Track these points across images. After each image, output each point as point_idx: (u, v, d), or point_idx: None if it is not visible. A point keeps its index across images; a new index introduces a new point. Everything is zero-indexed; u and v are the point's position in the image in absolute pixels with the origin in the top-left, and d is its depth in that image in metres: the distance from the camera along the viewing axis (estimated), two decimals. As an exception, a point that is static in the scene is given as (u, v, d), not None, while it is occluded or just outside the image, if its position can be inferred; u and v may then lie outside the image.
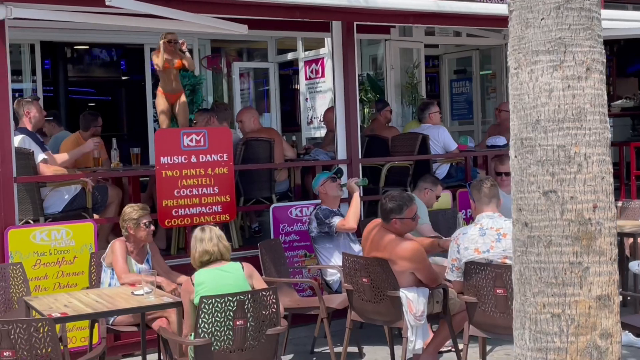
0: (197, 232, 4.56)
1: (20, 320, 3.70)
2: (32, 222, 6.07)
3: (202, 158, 6.21)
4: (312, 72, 10.45)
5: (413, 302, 4.97)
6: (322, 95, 10.35)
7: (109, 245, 5.38)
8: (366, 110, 10.29)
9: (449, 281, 5.09)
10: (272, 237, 6.73)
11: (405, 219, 5.11)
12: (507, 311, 4.54)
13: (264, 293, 4.23)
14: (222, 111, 7.53)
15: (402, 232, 5.13)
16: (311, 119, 10.61)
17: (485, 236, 4.82)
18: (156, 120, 11.48)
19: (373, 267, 5.05)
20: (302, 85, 10.64)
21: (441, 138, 8.03)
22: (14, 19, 5.54)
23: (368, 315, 5.26)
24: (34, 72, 10.66)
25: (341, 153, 7.18)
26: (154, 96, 11.25)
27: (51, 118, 8.02)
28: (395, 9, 6.70)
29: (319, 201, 6.43)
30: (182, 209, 6.16)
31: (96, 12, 5.96)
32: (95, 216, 6.48)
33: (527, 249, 3.03)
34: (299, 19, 6.81)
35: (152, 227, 5.33)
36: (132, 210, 5.34)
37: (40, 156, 6.07)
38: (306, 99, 10.63)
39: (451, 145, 8.06)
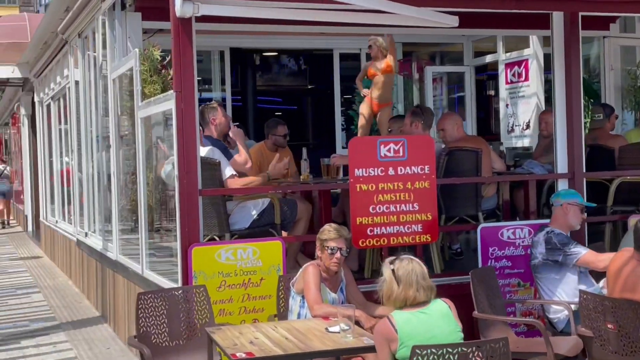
0: (397, 263, 3.70)
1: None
2: (217, 238, 5.59)
3: (401, 170, 5.47)
4: (514, 75, 9.53)
5: (677, 358, 3.90)
6: (526, 101, 9.39)
7: (301, 270, 4.70)
8: (580, 116, 9.13)
9: None
10: (479, 261, 5.82)
11: (669, 250, 4.05)
12: None
13: (493, 345, 3.34)
14: (429, 116, 6.67)
15: (663, 267, 4.08)
16: (512, 127, 9.64)
17: None
18: (344, 129, 11.05)
19: (623, 311, 4.01)
20: (502, 90, 9.73)
21: (685, 149, 6.74)
22: (202, 18, 5.06)
23: (612, 369, 4.23)
24: (222, 81, 10.45)
25: (561, 166, 6.17)
26: (342, 104, 10.87)
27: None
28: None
29: (541, 221, 5.45)
30: (378, 228, 5.44)
31: (289, 8, 5.39)
32: (284, 233, 5.90)
33: None
34: (511, 10, 5.89)
35: (338, 255, 4.56)
36: (324, 229, 4.65)
37: (227, 171, 5.58)
38: (507, 105, 9.67)
39: (698, 158, 6.74)
